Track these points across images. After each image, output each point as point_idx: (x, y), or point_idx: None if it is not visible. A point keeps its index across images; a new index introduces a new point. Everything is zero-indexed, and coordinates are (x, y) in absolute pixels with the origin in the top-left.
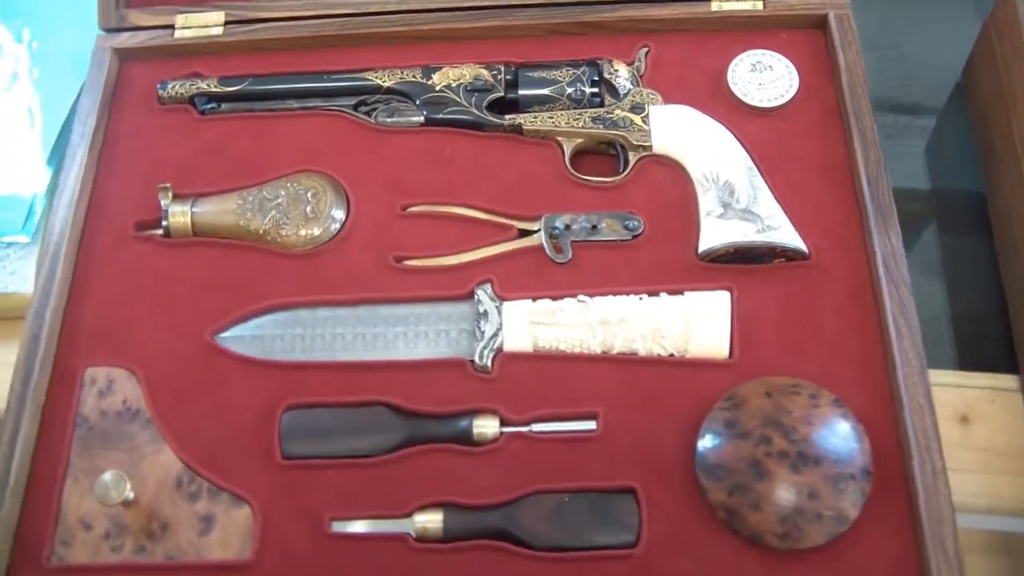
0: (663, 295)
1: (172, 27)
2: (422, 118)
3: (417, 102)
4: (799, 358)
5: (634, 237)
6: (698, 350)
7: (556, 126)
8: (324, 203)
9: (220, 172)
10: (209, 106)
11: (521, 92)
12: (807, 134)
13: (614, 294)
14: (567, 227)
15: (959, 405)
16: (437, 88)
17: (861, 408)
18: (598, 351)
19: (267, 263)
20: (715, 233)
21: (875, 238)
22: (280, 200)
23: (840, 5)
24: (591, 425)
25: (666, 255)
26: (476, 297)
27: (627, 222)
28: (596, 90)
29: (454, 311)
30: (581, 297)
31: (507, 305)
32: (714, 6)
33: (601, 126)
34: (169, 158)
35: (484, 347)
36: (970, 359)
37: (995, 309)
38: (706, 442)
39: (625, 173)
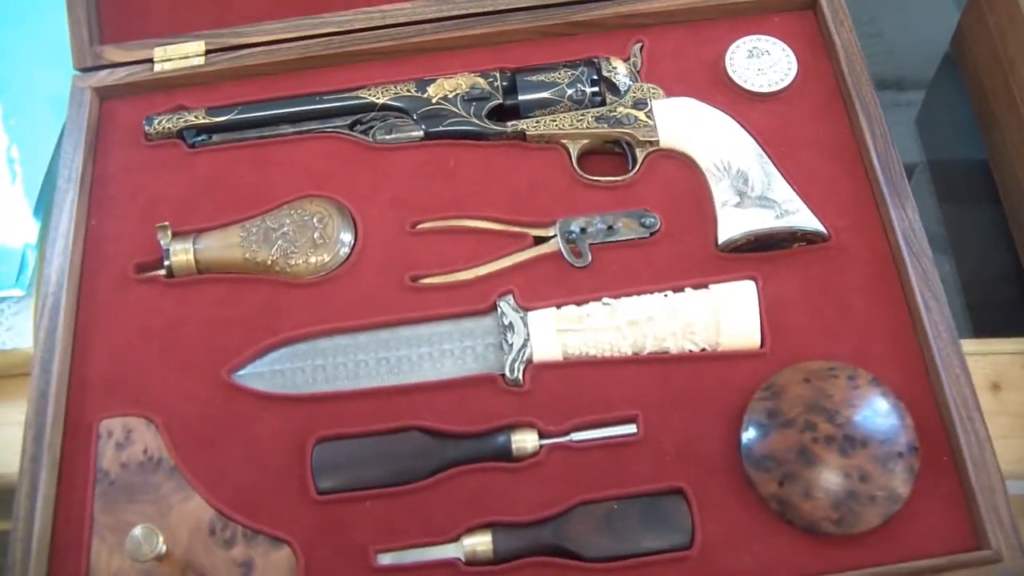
0: (688, 290)
1: (151, 61)
2: (421, 132)
3: (415, 116)
4: (831, 340)
5: (652, 234)
6: (730, 342)
7: (560, 129)
8: (331, 228)
9: (218, 205)
10: (199, 139)
11: (521, 97)
12: (811, 116)
13: (638, 294)
14: (583, 230)
15: (989, 373)
16: (433, 101)
17: (898, 384)
18: (629, 353)
19: (278, 295)
20: (734, 223)
21: (892, 213)
22: (285, 229)
23: None
24: (631, 429)
25: (686, 249)
26: (499, 310)
27: (643, 219)
28: (596, 89)
29: (478, 326)
30: (606, 300)
31: (532, 315)
32: None
33: (606, 125)
34: (163, 195)
35: (514, 360)
36: (986, 326)
37: (1007, 273)
38: (750, 434)
39: (635, 170)
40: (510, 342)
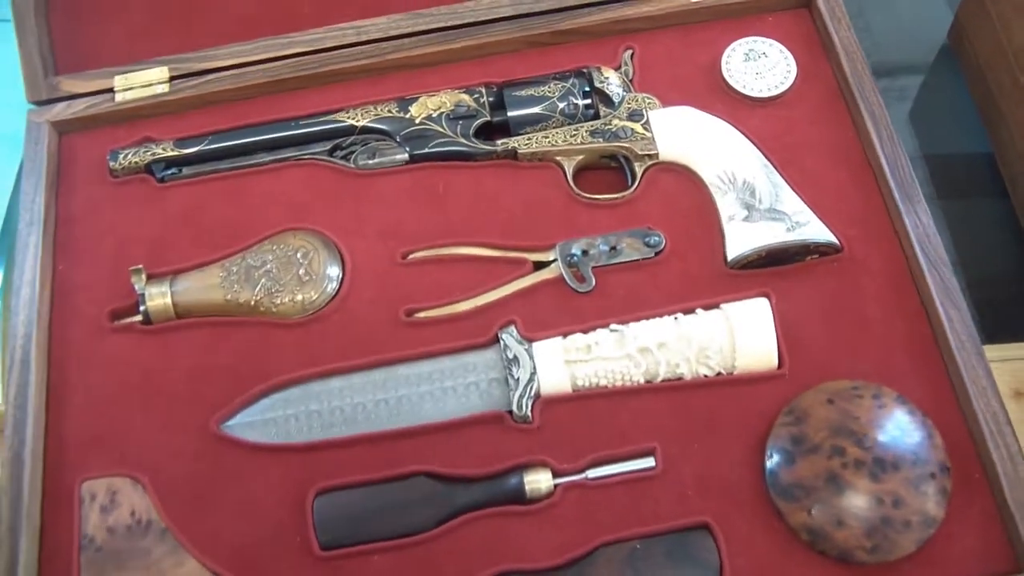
0: (699, 311)
1: (111, 91)
2: (406, 155)
3: (398, 139)
4: (850, 356)
5: (657, 254)
6: (746, 364)
7: (553, 145)
8: (317, 262)
9: (194, 243)
10: (168, 172)
11: (510, 113)
12: (813, 119)
13: (647, 317)
14: (585, 253)
15: (1009, 380)
16: (417, 121)
17: (923, 400)
18: (642, 381)
19: (264, 337)
20: (743, 238)
21: (905, 219)
22: (268, 266)
23: None
24: (650, 463)
25: (694, 267)
26: (502, 342)
27: (647, 238)
28: (589, 101)
29: (480, 360)
30: (614, 326)
31: (537, 346)
32: None
33: (601, 139)
34: (134, 235)
35: (521, 395)
36: (998, 329)
37: (1017, 271)
38: (775, 462)
39: (634, 186)
40: (516, 377)
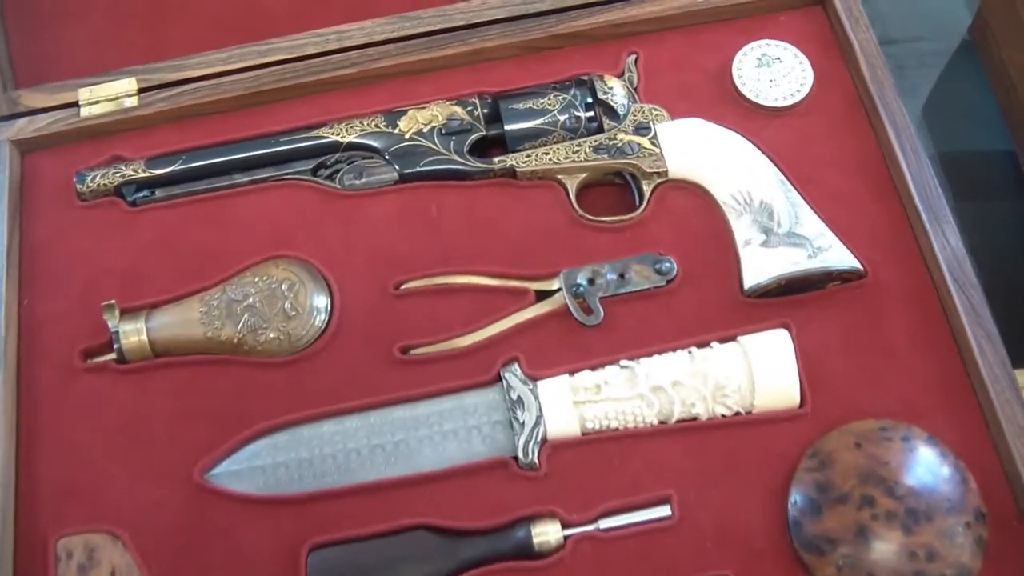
0: (715, 344)
1: (76, 105)
2: (395, 174)
3: (386, 156)
4: (876, 391)
5: (668, 282)
6: (766, 402)
7: (555, 163)
8: (303, 295)
9: (170, 273)
10: (140, 195)
11: (507, 127)
12: (831, 130)
13: (659, 351)
14: (591, 282)
15: None
16: (406, 136)
17: (955, 440)
18: (655, 422)
19: (249, 377)
20: (761, 265)
21: (932, 241)
22: (251, 300)
23: None
24: (665, 511)
25: (708, 296)
26: (505, 382)
27: (658, 265)
28: (592, 114)
29: (481, 401)
30: (624, 362)
31: (542, 385)
32: None
33: (606, 156)
34: (105, 265)
35: (527, 440)
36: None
37: None
38: (799, 510)
39: (642, 207)
40: (521, 420)
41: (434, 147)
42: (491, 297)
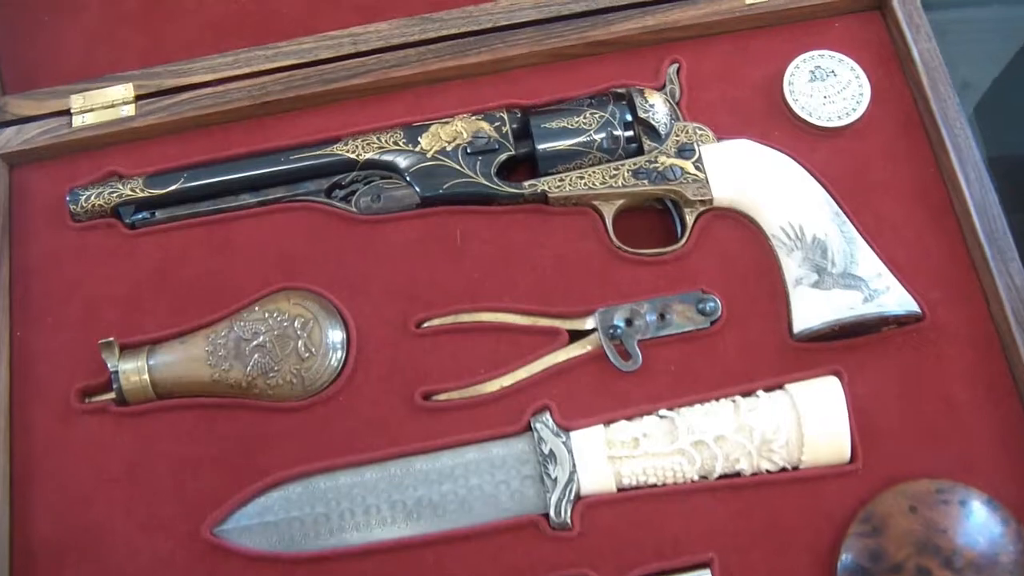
0: (761, 393)
1: (68, 112)
2: (416, 197)
3: (407, 177)
4: (932, 446)
5: (712, 323)
6: (814, 457)
7: (590, 188)
8: (317, 333)
9: (172, 304)
10: (139, 216)
11: (539, 147)
12: (887, 151)
13: (701, 400)
14: (629, 322)
15: None
16: (428, 155)
17: (1018, 502)
18: (696, 478)
19: (260, 423)
20: (813, 308)
21: (996, 281)
22: (261, 339)
23: None
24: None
25: (754, 339)
26: (535, 433)
27: (701, 305)
28: (631, 133)
29: (510, 452)
30: (663, 412)
31: (576, 437)
32: None
33: (646, 181)
34: (103, 294)
35: (559, 498)
36: None
37: None
38: None
39: (684, 239)
40: (553, 476)
41: (459, 168)
42: (520, 337)
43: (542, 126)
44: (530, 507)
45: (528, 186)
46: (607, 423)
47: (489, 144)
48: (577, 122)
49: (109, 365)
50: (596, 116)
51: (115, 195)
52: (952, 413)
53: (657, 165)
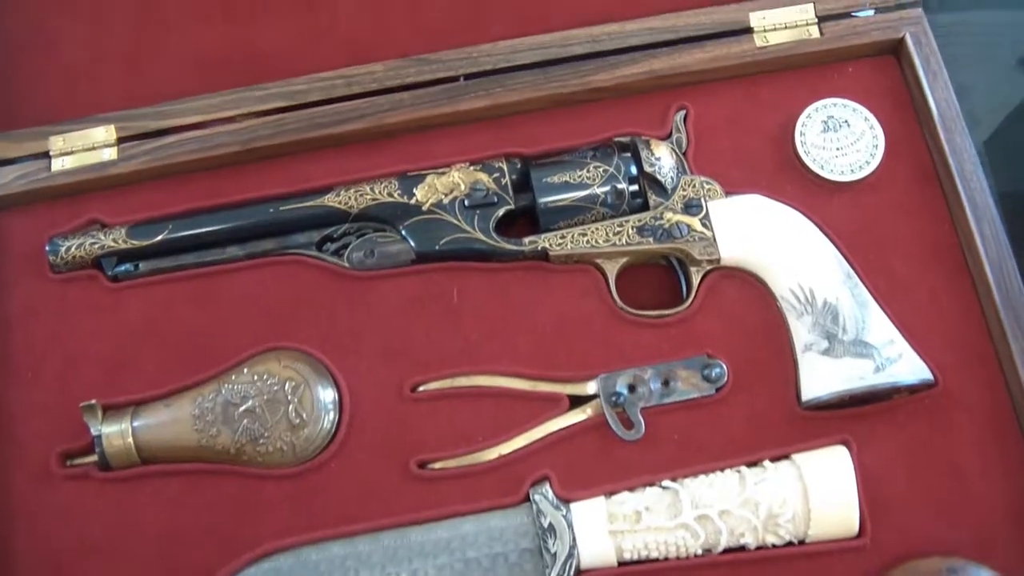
0: (767, 464)
1: (47, 155)
2: (411, 252)
3: (401, 231)
4: (944, 519)
5: (718, 389)
6: (821, 530)
7: (593, 246)
8: (308, 399)
9: (157, 362)
10: (122, 268)
11: (540, 200)
12: (902, 206)
13: (706, 470)
14: (632, 389)
15: None
16: (424, 208)
17: None
18: (699, 552)
19: (249, 490)
20: (822, 377)
21: (1012, 346)
22: (250, 404)
23: (915, 20)
24: None
25: (760, 407)
26: (534, 505)
27: (707, 371)
28: (636, 188)
29: (508, 525)
30: (667, 483)
31: (576, 509)
32: (758, 40)
33: (651, 239)
34: (84, 350)
35: (559, 574)
36: None
37: None
38: None
39: (690, 300)
40: (552, 551)
41: (456, 222)
42: (519, 403)
43: (543, 180)
44: None
45: (528, 243)
46: (608, 494)
47: (488, 197)
48: (580, 176)
49: (92, 429)
50: (600, 170)
51: (97, 246)
52: (963, 485)
53: (663, 222)
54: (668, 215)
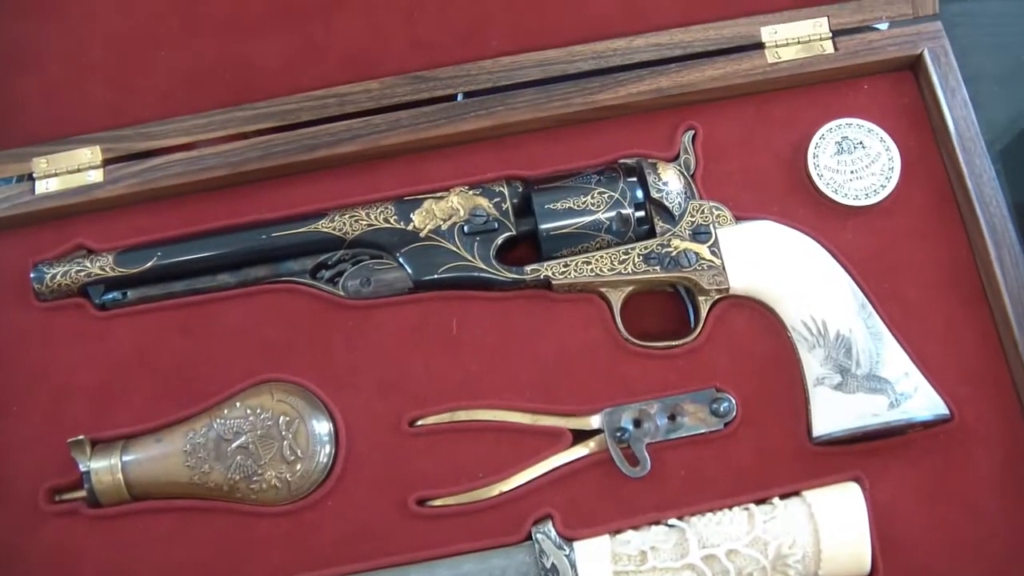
0: (776, 501)
1: (31, 177)
2: (409, 280)
3: (399, 258)
4: (959, 558)
5: (726, 424)
6: (832, 571)
7: (598, 275)
8: (303, 435)
9: (146, 394)
10: (110, 296)
11: (542, 226)
12: (918, 231)
13: (713, 508)
14: (637, 424)
15: None
16: (422, 234)
17: None
18: None
19: (242, 528)
20: (834, 413)
21: None
22: (243, 439)
23: (934, 35)
24: None
25: (770, 442)
26: (536, 544)
27: (715, 405)
28: (642, 214)
29: (510, 564)
30: (673, 521)
31: (579, 548)
32: (769, 56)
33: (658, 267)
34: (71, 382)
35: None
36: None
37: None
38: None
39: (697, 331)
40: None
41: (455, 249)
42: (521, 438)
43: (546, 206)
44: None
45: (530, 271)
46: (613, 533)
47: (488, 223)
48: (584, 202)
49: (80, 465)
50: (605, 195)
51: (83, 273)
52: (979, 522)
53: (670, 250)
54: (676, 242)
